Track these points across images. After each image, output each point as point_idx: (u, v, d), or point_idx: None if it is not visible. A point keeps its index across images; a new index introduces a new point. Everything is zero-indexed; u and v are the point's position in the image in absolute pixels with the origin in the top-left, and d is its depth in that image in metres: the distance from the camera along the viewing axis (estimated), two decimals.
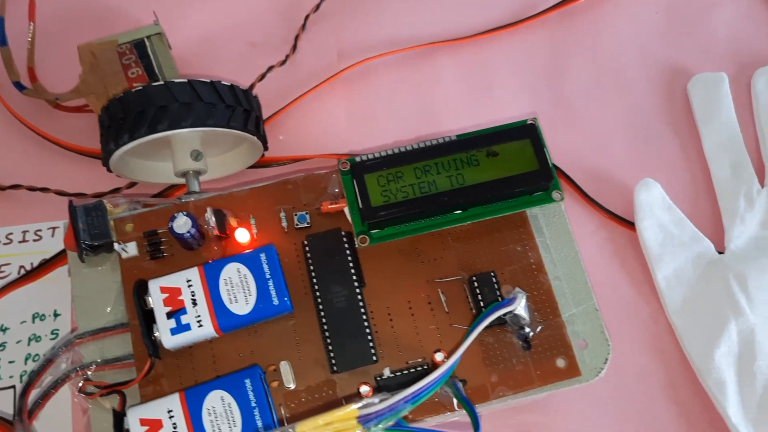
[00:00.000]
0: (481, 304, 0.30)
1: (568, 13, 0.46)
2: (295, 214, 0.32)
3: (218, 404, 0.27)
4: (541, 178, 0.30)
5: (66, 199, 0.36)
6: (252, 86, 0.41)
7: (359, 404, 0.25)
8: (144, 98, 0.32)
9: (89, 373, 0.30)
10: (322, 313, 0.30)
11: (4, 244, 0.38)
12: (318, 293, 0.30)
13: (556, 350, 0.30)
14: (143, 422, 0.27)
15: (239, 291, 0.29)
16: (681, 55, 0.45)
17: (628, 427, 0.36)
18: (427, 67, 0.44)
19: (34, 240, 0.38)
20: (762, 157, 0.41)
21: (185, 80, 0.32)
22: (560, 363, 0.30)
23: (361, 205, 0.30)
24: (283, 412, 0.29)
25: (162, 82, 0.32)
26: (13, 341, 0.36)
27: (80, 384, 0.29)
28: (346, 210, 0.31)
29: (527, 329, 0.30)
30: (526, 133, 0.31)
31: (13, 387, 0.35)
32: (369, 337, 0.29)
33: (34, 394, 0.30)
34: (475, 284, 0.30)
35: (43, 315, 0.36)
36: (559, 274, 0.32)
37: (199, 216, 0.31)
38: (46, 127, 0.40)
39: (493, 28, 0.45)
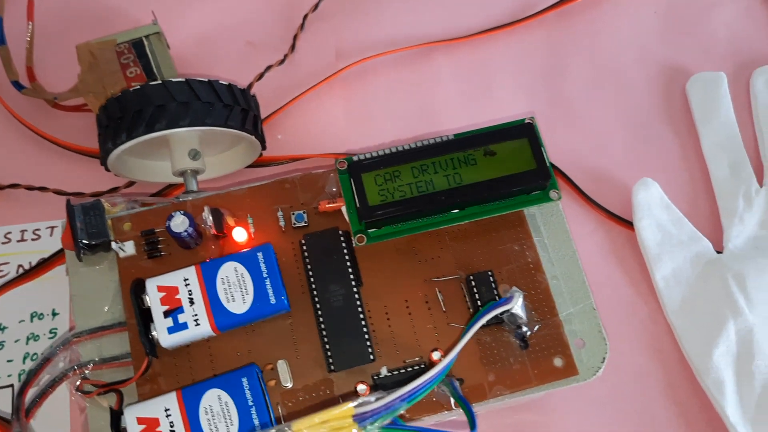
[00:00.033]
0: (479, 303, 0.30)
1: (566, 12, 0.46)
2: (293, 214, 0.32)
3: (215, 403, 0.27)
4: (538, 177, 0.30)
5: (64, 198, 0.36)
6: (250, 86, 0.41)
7: (355, 402, 0.25)
8: (142, 97, 0.32)
9: (87, 371, 0.30)
10: (320, 312, 0.30)
11: (3, 243, 0.38)
12: (315, 292, 0.30)
13: (553, 349, 0.30)
14: (140, 421, 0.27)
15: (236, 290, 0.29)
16: (680, 54, 0.44)
17: (626, 427, 0.36)
18: (426, 67, 0.44)
19: (33, 239, 0.38)
20: (761, 157, 0.41)
21: (183, 79, 0.32)
22: (557, 362, 0.30)
23: (358, 204, 0.30)
24: (280, 411, 0.29)
25: (160, 82, 0.32)
26: (11, 340, 0.36)
27: (78, 383, 0.29)
28: (344, 209, 0.31)
29: (524, 328, 0.30)
30: (524, 132, 0.31)
31: (11, 386, 0.35)
32: (366, 336, 0.29)
33: (31, 393, 0.30)
34: (473, 283, 0.30)
35: (42, 314, 0.37)
36: (556, 274, 0.32)
37: (197, 215, 0.31)
38: (45, 127, 0.40)
39: (491, 27, 0.45)
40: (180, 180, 0.35)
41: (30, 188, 0.38)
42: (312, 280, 0.30)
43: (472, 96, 0.43)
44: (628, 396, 0.36)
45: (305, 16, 0.44)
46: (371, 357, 0.29)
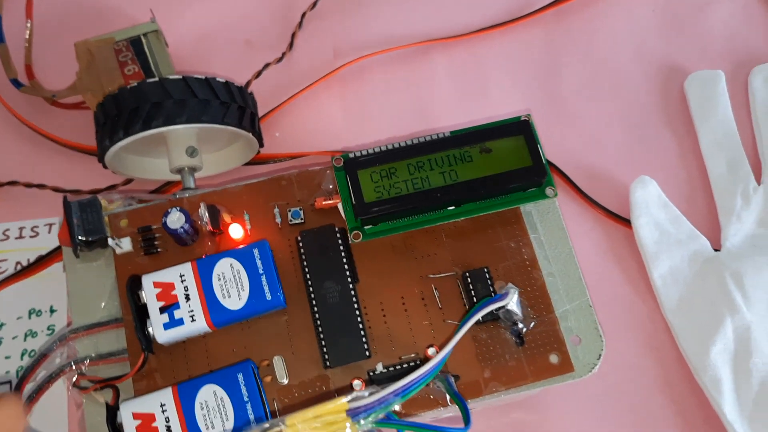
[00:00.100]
0: (474, 300, 0.30)
1: (564, 11, 0.46)
2: (289, 210, 0.32)
3: (211, 398, 0.27)
4: (534, 174, 0.30)
5: (62, 195, 0.36)
6: (248, 83, 0.41)
7: (349, 397, 0.25)
8: (138, 95, 0.32)
9: (83, 367, 0.30)
10: (316, 309, 0.30)
11: (1, 240, 0.38)
12: (311, 289, 0.30)
13: (549, 346, 0.30)
14: (136, 416, 0.27)
15: (232, 286, 0.29)
16: (677, 53, 0.45)
17: (623, 425, 0.36)
18: (423, 66, 0.44)
19: (31, 236, 0.38)
20: (758, 155, 0.41)
21: (180, 77, 0.32)
22: (553, 359, 0.30)
23: (354, 201, 0.30)
24: (276, 406, 0.29)
25: (156, 79, 0.32)
26: (9, 337, 0.36)
27: (74, 378, 0.29)
28: (340, 206, 0.31)
29: (520, 325, 0.30)
30: (520, 129, 0.31)
31: (9, 383, 0.35)
32: (362, 333, 0.29)
33: (28, 389, 0.30)
34: (469, 280, 0.30)
35: (39, 311, 0.37)
36: (552, 271, 0.32)
37: (193, 212, 0.31)
38: (43, 124, 0.40)
39: (488, 26, 0.45)
40: (178, 177, 0.35)
41: (28, 185, 0.39)
42: (308, 276, 0.30)
43: (469, 94, 0.43)
44: (626, 394, 0.36)
45: (303, 15, 0.44)
46: (367, 353, 0.29)
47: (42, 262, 0.37)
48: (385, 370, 0.29)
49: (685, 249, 0.38)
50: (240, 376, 0.28)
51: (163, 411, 0.27)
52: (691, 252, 0.38)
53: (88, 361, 0.30)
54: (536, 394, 0.34)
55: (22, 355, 0.36)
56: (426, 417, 0.29)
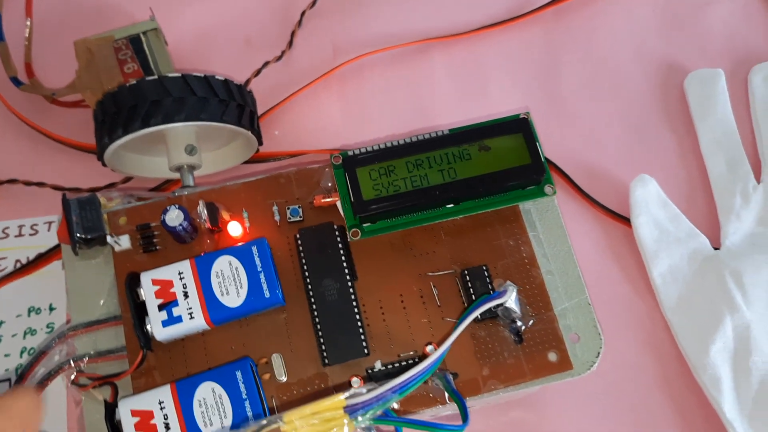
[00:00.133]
0: (473, 297, 0.30)
1: (563, 9, 0.46)
2: (288, 208, 0.32)
3: (209, 396, 0.27)
4: (533, 172, 0.30)
5: (62, 194, 0.36)
6: (248, 82, 0.42)
7: (347, 394, 0.25)
8: (137, 93, 0.32)
9: (82, 365, 0.30)
10: (314, 307, 0.30)
11: (0, 238, 0.38)
12: (310, 287, 0.30)
13: (548, 344, 0.30)
14: (134, 413, 0.27)
15: (231, 284, 0.29)
16: (677, 51, 0.44)
17: (623, 423, 0.36)
18: (422, 64, 0.44)
19: (30, 234, 0.38)
20: (758, 154, 0.41)
21: (178, 75, 0.32)
22: (552, 357, 0.30)
23: (352, 199, 0.30)
24: (274, 404, 0.29)
25: (155, 77, 0.32)
26: (8, 335, 0.36)
27: (73, 376, 0.29)
28: (339, 204, 0.31)
29: (519, 323, 0.30)
30: (519, 127, 0.31)
31: (9, 380, 0.35)
32: (361, 331, 0.29)
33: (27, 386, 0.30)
34: (467, 278, 0.30)
35: (39, 308, 0.37)
36: (551, 269, 0.32)
37: (192, 209, 0.31)
38: (43, 123, 0.40)
39: (487, 24, 0.45)
40: (177, 176, 0.35)
41: (28, 184, 0.39)
42: (307, 274, 0.30)
43: (469, 93, 0.43)
44: (625, 392, 0.36)
45: (303, 13, 0.44)
46: (365, 351, 0.29)
47: (41, 260, 0.37)
48: (384, 368, 0.29)
49: (685, 247, 0.38)
50: (238, 374, 0.28)
51: (161, 408, 0.27)
52: (691, 250, 0.38)
53: (87, 358, 0.30)
54: (535, 393, 0.34)
55: (22, 352, 0.36)
56: (425, 415, 0.29)
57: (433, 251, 0.31)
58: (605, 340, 0.30)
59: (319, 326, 0.29)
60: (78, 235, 0.30)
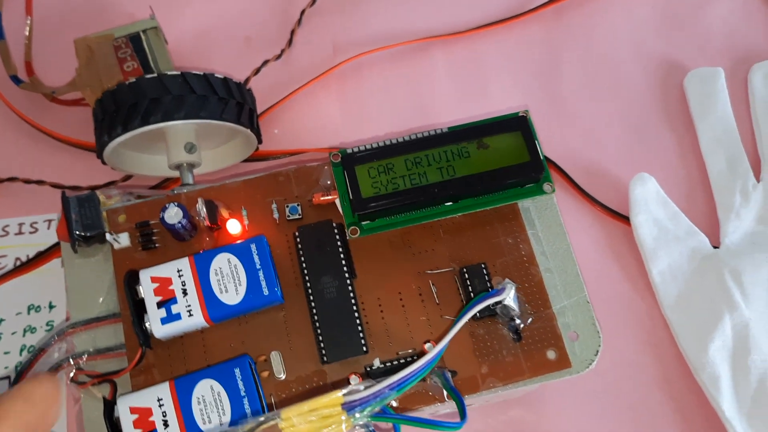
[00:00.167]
0: (472, 295, 0.30)
1: (563, 8, 0.46)
2: (287, 206, 0.32)
3: (208, 393, 0.27)
4: (531, 170, 0.30)
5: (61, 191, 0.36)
6: (247, 80, 0.42)
7: (344, 391, 0.25)
8: (137, 90, 0.32)
9: (81, 362, 0.30)
10: (313, 304, 0.30)
11: (0, 236, 0.38)
12: (309, 284, 0.30)
13: (546, 342, 0.30)
14: (133, 410, 0.27)
15: (229, 281, 0.29)
16: (677, 50, 0.44)
17: (622, 422, 0.36)
18: (422, 62, 0.44)
19: (30, 232, 0.39)
20: (758, 152, 0.41)
21: (178, 73, 0.32)
22: (551, 355, 0.30)
23: (351, 197, 0.30)
24: (273, 401, 0.29)
25: (155, 75, 0.32)
26: (8, 332, 0.36)
27: (72, 373, 0.29)
28: (338, 202, 0.31)
29: (517, 321, 0.30)
30: (517, 125, 0.31)
31: (9, 378, 0.35)
32: (359, 328, 0.29)
33: None
34: (466, 276, 0.30)
35: (39, 306, 0.37)
36: (550, 266, 0.31)
37: (191, 207, 0.31)
38: (43, 121, 0.40)
39: (487, 23, 0.45)
40: (176, 174, 0.35)
41: (27, 182, 0.39)
42: (305, 272, 0.30)
43: (468, 92, 0.43)
44: (624, 390, 0.36)
45: (303, 12, 0.44)
46: (364, 349, 0.29)
47: (41, 258, 0.37)
48: (382, 366, 0.29)
49: (684, 246, 0.38)
50: (237, 371, 0.28)
51: (160, 405, 0.27)
52: (690, 249, 0.38)
53: (86, 356, 0.30)
54: (534, 391, 0.34)
55: (21, 350, 0.36)
56: (424, 412, 0.29)
57: (432, 249, 0.31)
58: (604, 338, 0.30)
59: (317, 324, 0.29)
60: (77, 232, 0.30)
